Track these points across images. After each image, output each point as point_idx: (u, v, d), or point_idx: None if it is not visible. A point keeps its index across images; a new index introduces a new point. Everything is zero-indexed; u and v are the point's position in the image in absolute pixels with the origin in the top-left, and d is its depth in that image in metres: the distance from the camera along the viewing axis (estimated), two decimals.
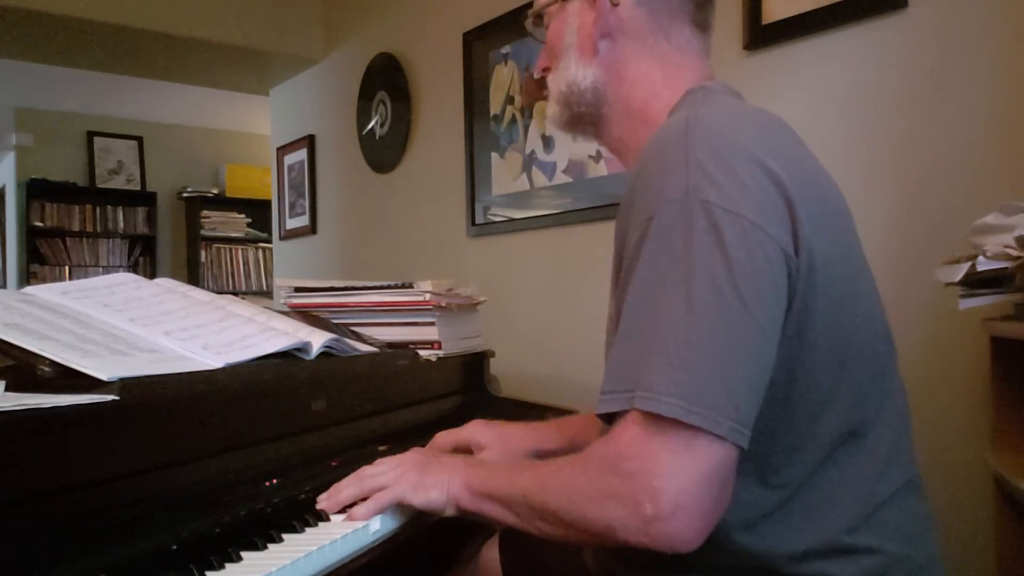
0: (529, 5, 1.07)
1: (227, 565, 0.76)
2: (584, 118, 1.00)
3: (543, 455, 1.22)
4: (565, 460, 0.81)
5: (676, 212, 0.74)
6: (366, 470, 0.96)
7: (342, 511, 0.93)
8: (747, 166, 0.75)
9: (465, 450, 1.20)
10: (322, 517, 0.92)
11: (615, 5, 0.94)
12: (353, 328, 1.51)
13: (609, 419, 0.76)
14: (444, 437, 1.22)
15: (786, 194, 0.75)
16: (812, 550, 0.78)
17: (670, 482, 0.69)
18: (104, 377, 0.83)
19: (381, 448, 1.26)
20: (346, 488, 0.94)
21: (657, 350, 0.71)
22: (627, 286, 0.77)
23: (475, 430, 1.20)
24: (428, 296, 1.53)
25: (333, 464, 1.13)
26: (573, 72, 0.97)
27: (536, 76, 1.07)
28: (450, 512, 0.90)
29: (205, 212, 5.80)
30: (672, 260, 0.73)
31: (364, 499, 0.93)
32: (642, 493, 0.69)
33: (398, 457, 0.97)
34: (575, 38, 0.97)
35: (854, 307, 0.82)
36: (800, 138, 0.86)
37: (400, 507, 0.94)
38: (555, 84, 1.01)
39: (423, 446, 1.30)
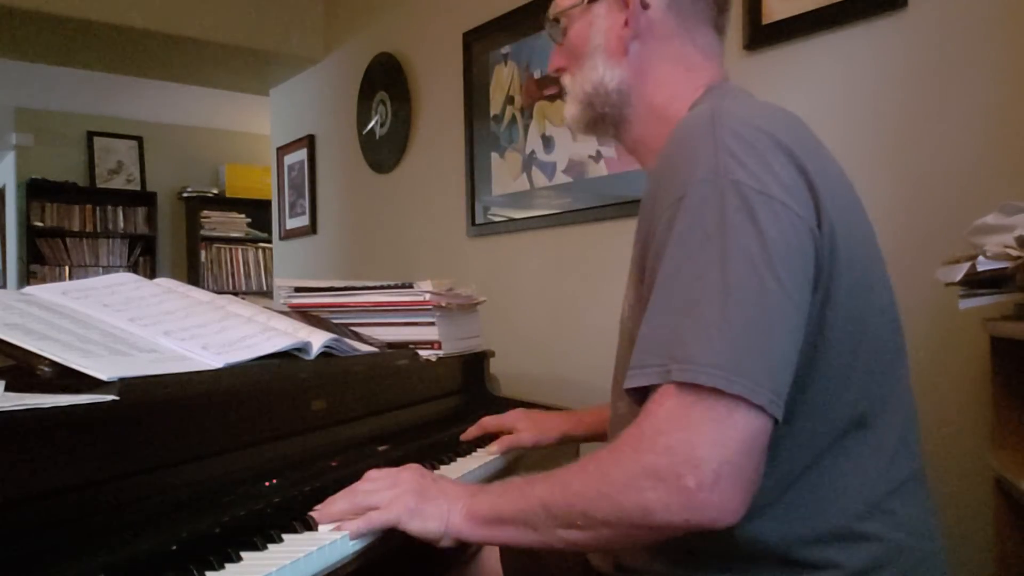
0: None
1: (227, 565, 0.77)
2: (606, 119, 1.00)
3: (570, 440, 1.35)
4: (587, 458, 0.79)
5: (707, 191, 0.75)
6: (360, 486, 0.92)
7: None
8: (773, 151, 0.77)
9: (507, 433, 1.33)
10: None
11: (646, 8, 0.95)
12: (353, 328, 1.51)
13: (638, 396, 0.76)
14: (490, 420, 1.36)
15: (808, 179, 0.77)
16: (821, 535, 0.79)
17: (712, 451, 0.68)
18: (104, 377, 0.83)
19: (381, 448, 1.26)
20: (338, 502, 0.91)
21: (694, 324, 0.71)
22: (657, 264, 0.77)
23: (516, 416, 1.35)
24: (428, 296, 1.53)
25: (333, 464, 1.13)
26: (600, 73, 0.98)
27: (550, 74, 1.08)
28: (446, 543, 0.87)
29: (205, 212, 5.80)
30: (705, 238, 0.74)
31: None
32: (683, 466, 0.68)
33: (394, 474, 0.93)
34: (603, 39, 0.98)
35: (870, 293, 0.83)
36: (816, 136, 0.88)
37: None
38: (577, 85, 1.01)
39: (424, 446, 1.31)
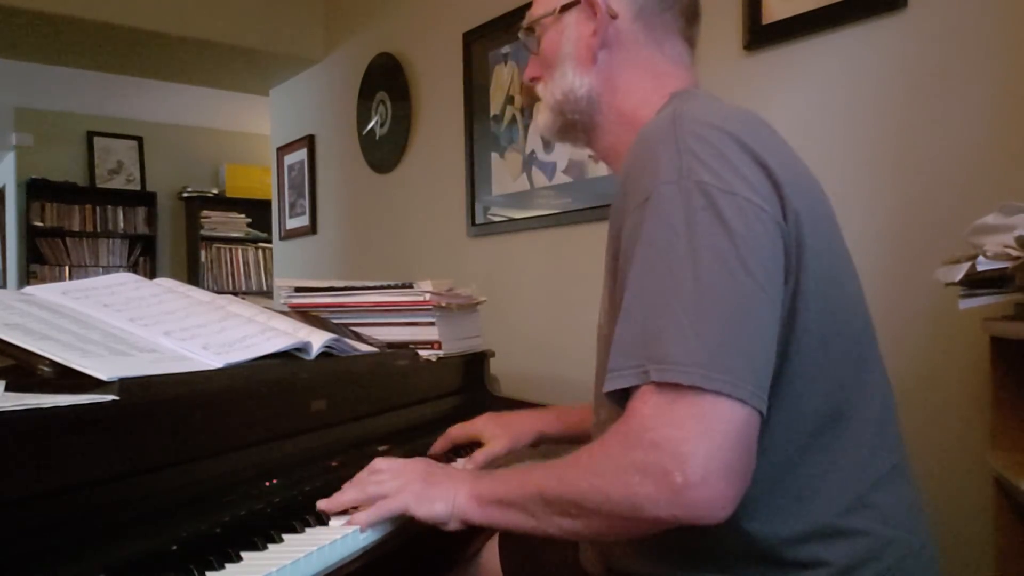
0: (532, 6, 1.07)
1: (227, 565, 0.77)
2: (577, 126, 1.03)
3: (546, 440, 1.29)
4: (581, 450, 0.80)
5: (672, 193, 0.76)
6: (367, 476, 0.94)
7: (343, 513, 0.93)
8: (734, 150, 0.78)
9: (476, 443, 1.25)
10: (322, 520, 0.92)
11: (614, 17, 0.97)
12: (353, 328, 1.51)
13: (618, 399, 0.76)
14: (457, 430, 1.27)
15: (770, 174, 0.78)
16: (807, 533, 0.79)
17: (698, 447, 0.69)
18: (104, 377, 0.83)
19: (381, 448, 1.26)
20: (348, 492, 0.93)
21: (668, 323, 0.72)
22: (627, 267, 0.78)
23: (484, 423, 1.26)
24: (428, 296, 1.53)
25: (333, 464, 1.13)
26: (570, 80, 1.00)
27: (525, 83, 1.09)
28: (454, 526, 0.88)
29: (205, 212, 5.80)
30: (673, 238, 0.75)
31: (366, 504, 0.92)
32: (670, 461, 0.69)
33: (401, 462, 0.96)
34: (572, 48, 1.00)
35: (837, 288, 0.84)
36: (778, 133, 0.89)
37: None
38: (548, 93, 1.03)
39: (424, 446, 1.30)
